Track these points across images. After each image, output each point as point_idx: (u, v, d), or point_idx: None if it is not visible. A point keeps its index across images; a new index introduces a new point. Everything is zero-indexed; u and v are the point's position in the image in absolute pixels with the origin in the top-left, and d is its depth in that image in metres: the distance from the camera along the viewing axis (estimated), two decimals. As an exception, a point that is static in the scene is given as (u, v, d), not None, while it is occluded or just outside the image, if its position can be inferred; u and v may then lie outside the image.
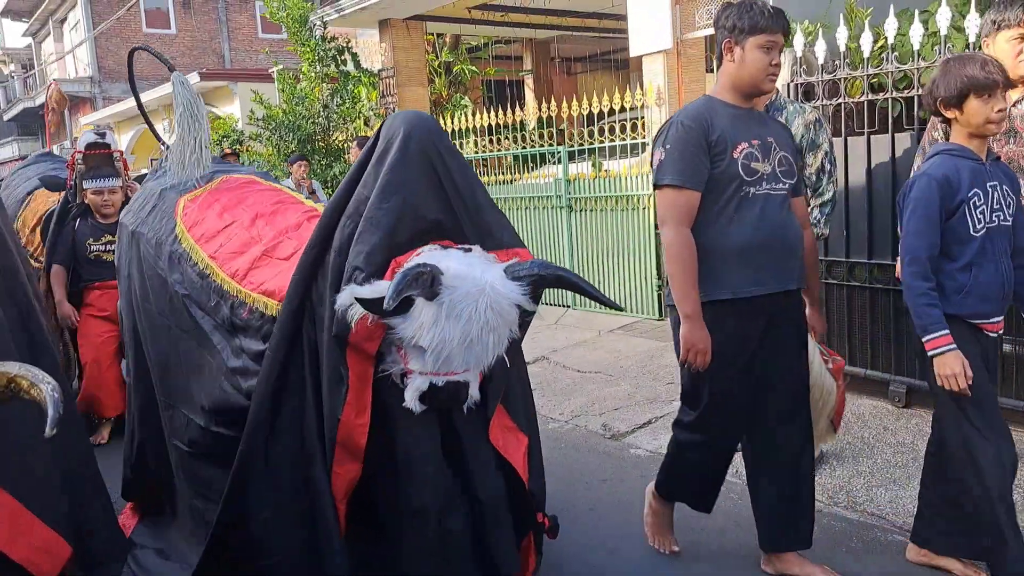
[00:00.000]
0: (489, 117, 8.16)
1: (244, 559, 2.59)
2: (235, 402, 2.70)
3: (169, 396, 3.09)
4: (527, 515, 2.67)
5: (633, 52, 6.88)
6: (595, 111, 7.12)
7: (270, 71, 11.54)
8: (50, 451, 2.16)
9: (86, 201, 4.89)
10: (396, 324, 2.25)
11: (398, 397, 2.33)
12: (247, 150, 10.82)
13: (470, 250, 2.37)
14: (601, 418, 4.89)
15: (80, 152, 4.91)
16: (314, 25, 9.88)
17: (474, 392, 2.34)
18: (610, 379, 5.64)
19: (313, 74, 9.87)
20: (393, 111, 9.75)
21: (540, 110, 7.33)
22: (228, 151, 10.13)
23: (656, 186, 2.76)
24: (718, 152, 2.68)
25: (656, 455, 4.25)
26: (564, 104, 7.32)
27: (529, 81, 13.87)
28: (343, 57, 9.93)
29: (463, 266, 2.26)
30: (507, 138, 8.04)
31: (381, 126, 2.58)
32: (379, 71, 10.02)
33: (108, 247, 4.75)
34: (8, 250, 2.74)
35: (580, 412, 5.04)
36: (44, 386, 1.80)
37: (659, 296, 6.96)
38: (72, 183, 4.96)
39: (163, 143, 3.97)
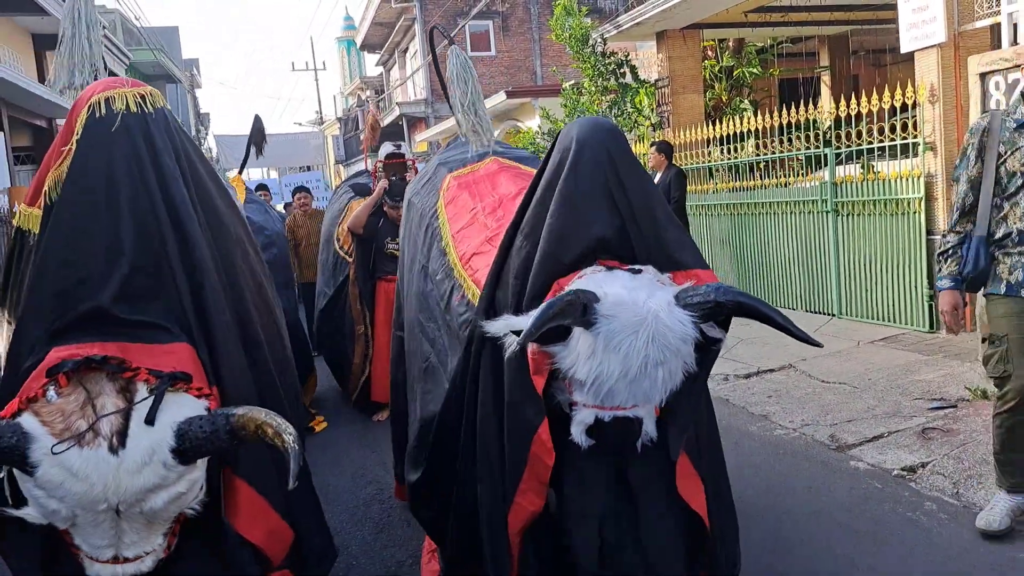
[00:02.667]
0: (758, 120, 8.10)
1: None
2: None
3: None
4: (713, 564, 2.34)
5: (904, 47, 6.45)
6: (863, 111, 6.80)
7: (565, 86, 12.37)
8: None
9: (384, 208, 5.70)
10: (556, 353, 2.06)
11: (566, 433, 2.10)
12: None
13: (639, 271, 2.15)
14: (830, 429, 4.79)
15: (381, 161, 5.89)
16: (595, 42, 10.47)
17: (649, 429, 2.08)
18: (854, 391, 5.44)
19: (593, 88, 10.46)
20: (668, 120, 10.01)
21: (838, 108, 7.01)
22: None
23: None
24: None
25: (875, 470, 4.14)
26: (831, 104, 7.07)
27: (826, 78, 13.22)
28: (622, 70, 10.40)
29: (626, 291, 2.03)
30: (781, 140, 7.88)
31: (558, 135, 2.45)
32: (655, 81, 10.33)
33: (397, 245, 5.56)
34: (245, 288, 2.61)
35: (810, 422, 4.97)
36: (287, 437, 1.81)
37: (929, 306, 6.47)
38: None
39: (463, 135, 3.87)
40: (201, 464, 1.90)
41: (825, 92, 12.85)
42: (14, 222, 2.51)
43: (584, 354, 2.00)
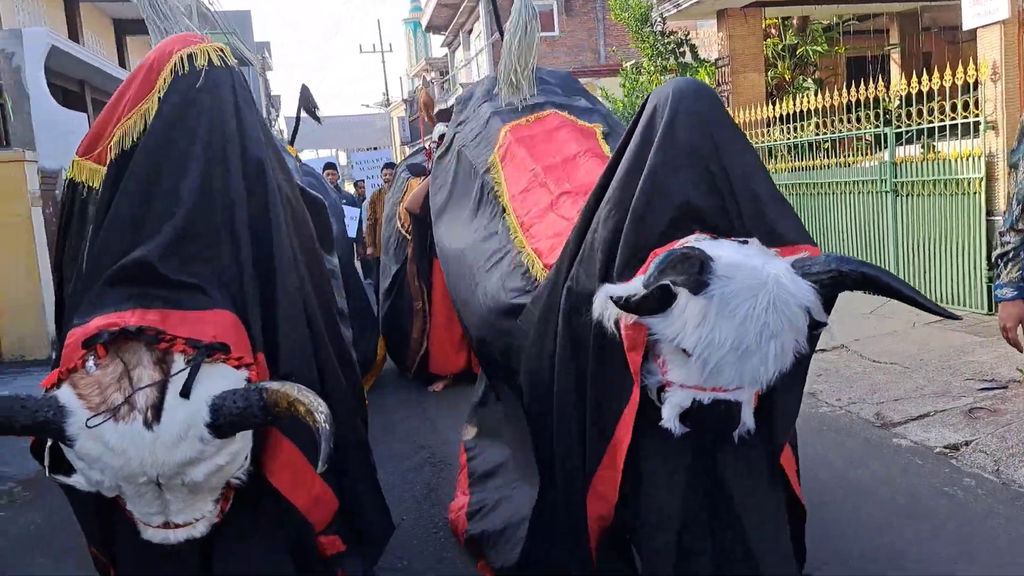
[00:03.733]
0: (817, 99, 8.01)
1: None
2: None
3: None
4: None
5: (967, 24, 6.33)
6: (923, 90, 6.69)
7: (625, 66, 12.37)
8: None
9: None
10: (655, 324, 1.89)
11: (651, 423, 1.97)
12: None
13: (746, 242, 1.97)
14: (877, 407, 4.82)
15: (434, 143, 6.05)
16: (655, 21, 10.46)
17: (747, 418, 1.92)
18: (904, 371, 5.44)
19: (653, 68, 10.46)
20: (728, 100, 9.95)
21: (910, 85, 6.84)
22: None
23: None
24: None
25: (918, 447, 4.18)
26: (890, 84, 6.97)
27: (896, 56, 12.88)
28: (681, 49, 10.37)
29: (739, 256, 1.87)
30: (842, 120, 7.76)
31: (648, 97, 2.28)
32: (716, 60, 10.27)
33: None
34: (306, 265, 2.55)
35: (857, 400, 5.01)
36: (319, 416, 1.73)
37: (988, 288, 6.37)
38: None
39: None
40: (241, 436, 1.85)
41: (895, 71, 12.55)
42: (67, 174, 2.42)
43: (693, 321, 1.81)
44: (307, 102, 6.03)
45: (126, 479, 1.76)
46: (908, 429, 4.45)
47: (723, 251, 1.87)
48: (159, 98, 2.19)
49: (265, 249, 2.17)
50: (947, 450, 4.08)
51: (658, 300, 1.83)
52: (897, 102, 7.23)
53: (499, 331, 2.72)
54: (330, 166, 10.36)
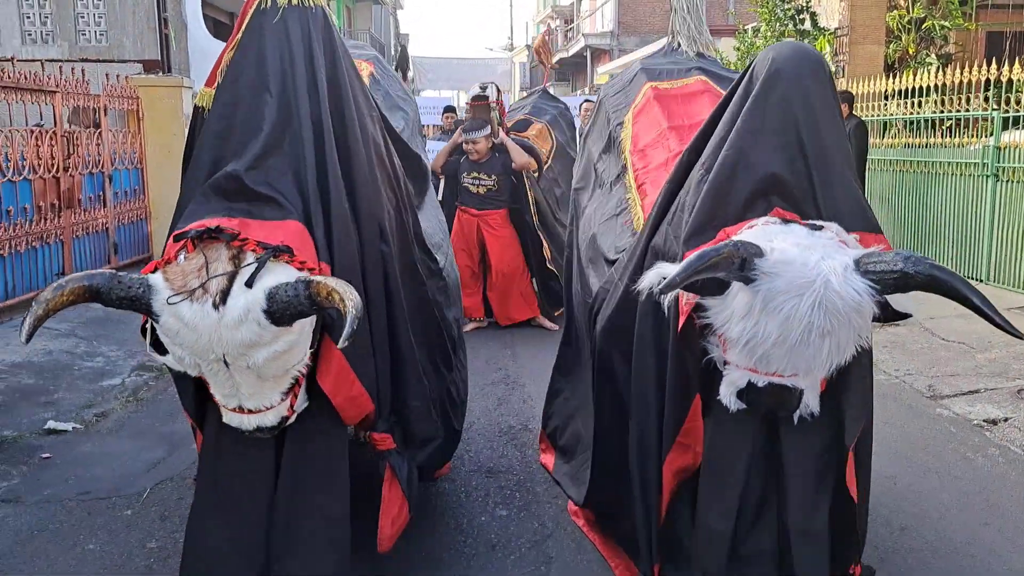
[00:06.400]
0: (932, 77, 7.96)
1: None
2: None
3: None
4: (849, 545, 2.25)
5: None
6: (1036, 75, 6.62)
7: (744, 28, 12.32)
8: (370, 337, 2.45)
9: (463, 145, 6.25)
10: (711, 306, 1.93)
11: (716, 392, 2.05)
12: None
13: (820, 228, 1.95)
14: (930, 380, 5.07)
15: (469, 103, 6.42)
16: (776, -15, 10.41)
17: (811, 402, 1.96)
18: (969, 350, 5.61)
19: (770, 32, 10.45)
20: (843, 71, 9.90)
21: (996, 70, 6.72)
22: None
23: None
24: None
25: (957, 418, 4.46)
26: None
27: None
28: (801, 16, 10.31)
29: (799, 249, 1.85)
30: (962, 98, 7.68)
31: (754, 59, 2.23)
32: (835, 29, 10.18)
33: (474, 181, 6.22)
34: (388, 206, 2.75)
35: (913, 372, 5.26)
36: (349, 303, 1.92)
37: (1077, 280, 6.37)
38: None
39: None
40: (298, 328, 2.07)
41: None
42: (195, 102, 2.74)
43: (739, 313, 1.85)
44: (403, 63, 6.46)
45: (199, 354, 2.03)
46: (954, 402, 4.70)
47: (784, 242, 1.87)
48: (242, 31, 2.49)
49: (322, 171, 2.40)
50: (985, 423, 4.34)
51: (713, 283, 1.85)
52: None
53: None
54: (449, 109, 10.53)
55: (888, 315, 1.88)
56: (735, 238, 1.89)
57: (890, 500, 3.44)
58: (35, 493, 3.45)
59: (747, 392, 1.95)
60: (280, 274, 2.03)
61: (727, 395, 1.98)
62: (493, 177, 6.23)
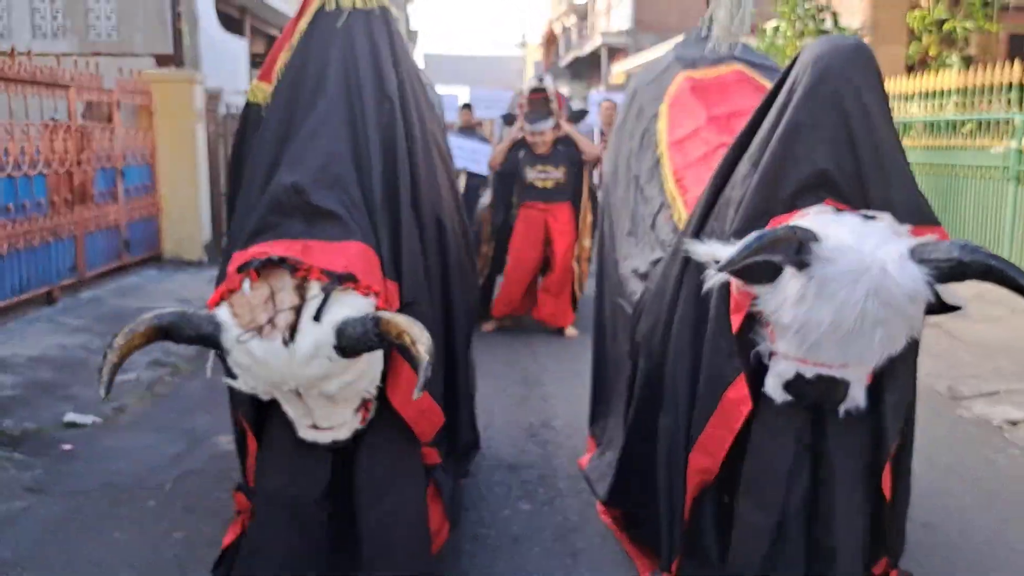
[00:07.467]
0: (951, 79, 7.91)
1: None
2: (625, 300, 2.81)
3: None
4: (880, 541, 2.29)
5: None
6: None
7: (764, 26, 12.26)
8: (441, 348, 2.44)
9: (525, 138, 5.96)
10: (762, 294, 1.91)
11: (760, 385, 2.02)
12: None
13: (873, 218, 1.93)
14: (951, 381, 5.04)
15: (525, 97, 6.16)
16: (798, -15, 10.36)
17: (857, 396, 1.96)
18: (990, 354, 5.58)
19: (790, 32, 10.41)
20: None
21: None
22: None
23: None
24: None
25: (978, 419, 4.43)
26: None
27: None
28: (822, 15, 10.26)
29: (853, 237, 1.84)
30: (983, 101, 7.63)
31: (802, 50, 2.20)
32: (857, 29, 10.12)
33: (540, 175, 5.99)
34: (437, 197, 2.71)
35: (934, 373, 5.22)
36: (421, 348, 1.89)
37: (1099, 284, 6.29)
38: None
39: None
40: (367, 357, 2.07)
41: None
42: (247, 97, 2.70)
43: (792, 298, 1.82)
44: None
45: (273, 386, 2.05)
46: (975, 403, 4.68)
47: (839, 229, 1.85)
48: (303, 31, 2.48)
49: (391, 182, 2.37)
50: (1005, 424, 4.31)
51: (763, 270, 1.85)
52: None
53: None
54: (467, 107, 9.86)
55: (939, 306, 1.86)
56: (791, 222, 1.88)
57: (913, 498, 3.39)
58: (59, 484, 3.47)
59: (794, 384, 1.93)
60: (347, 303, 2.03)
61: (774, 386, 1.96)
62: (561, 168, 5.99)
